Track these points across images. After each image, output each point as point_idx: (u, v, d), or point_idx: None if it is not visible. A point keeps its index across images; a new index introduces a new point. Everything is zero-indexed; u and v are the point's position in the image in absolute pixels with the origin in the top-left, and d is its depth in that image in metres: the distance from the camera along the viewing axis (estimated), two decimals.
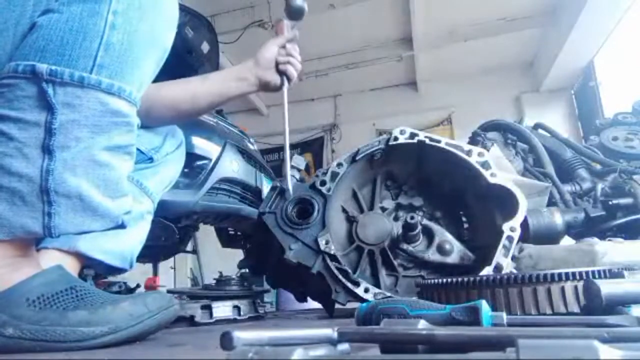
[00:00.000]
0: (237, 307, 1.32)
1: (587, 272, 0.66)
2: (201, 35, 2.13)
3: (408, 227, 1.23)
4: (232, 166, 1.83)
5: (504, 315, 0.54)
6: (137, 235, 1.06)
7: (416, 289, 0.86)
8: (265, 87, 1.22)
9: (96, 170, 0.72)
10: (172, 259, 3.73)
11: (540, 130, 1.98)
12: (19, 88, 0.67)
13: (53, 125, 0.67)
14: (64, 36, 0.68)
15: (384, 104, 6.43)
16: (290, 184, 1.29)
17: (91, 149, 0.71)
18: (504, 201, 1.19)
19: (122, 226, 0.79)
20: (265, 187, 2.00)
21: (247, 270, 2.28)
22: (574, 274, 0.66)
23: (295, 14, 1.24)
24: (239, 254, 2.61)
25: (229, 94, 1.18)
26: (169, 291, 1.49)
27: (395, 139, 1.30)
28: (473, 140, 1.83)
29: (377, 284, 1.22)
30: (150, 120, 1.07)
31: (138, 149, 1.08)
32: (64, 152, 0.68)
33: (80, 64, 0.68)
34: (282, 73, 1.23)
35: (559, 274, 0.66)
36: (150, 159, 1.12)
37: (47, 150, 0.67)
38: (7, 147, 0.66)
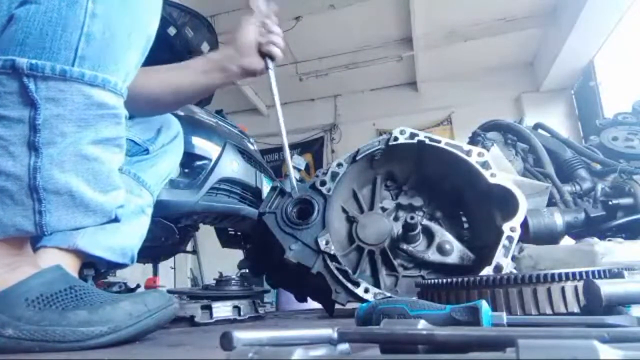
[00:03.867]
0: (237, 307, 1.32)
1: (587, 272, 0.66)
2: (201, 35, 2.13)
3: (408, 227, 1.23)
4: (232, 166, 1.83)
5: (504, 315, 0.54)
6: (137, 230, 1.05)
7: (416, 289, 0.86)
8: (251, 74, 1.16)
9: (85, 165, 0.70)
10: (172, 259, 3.74)
11: (540, 130, 1.98)
12: (0, 84, 0.65)
13: (37, 121, 0.65)
14: (43, 28, 0.65)
15: (384, 104, 6.44)
16: (292, 172, 1.27)
17: (78, 143, 0.69)
18: (504, 201, 1.18)
19: (115, 220, 0.77)
20: (265, 187, 1.99)
21: (247, 270, 2.28)
22: (574, 274, 0.66)
23: None
24: (239, 254, 2.61)
25: (213, 86, 1.14)
26: (169, 291, 1.49)
27: (395, 139, 1.30)
28: (473, 140, 1.83)
29: (377, 284, 1.22)
30: (130, 111, 1.05)
31: (133, 141, 1.06)
32: (50, 148, 0.66)
33: (62, 57, 0.66)
34: (265, 55, 1.15)
35: (559, 274, 0.66)
36: (146, 151, 1.10)
37: (32, 147, 0.66)
38: None
